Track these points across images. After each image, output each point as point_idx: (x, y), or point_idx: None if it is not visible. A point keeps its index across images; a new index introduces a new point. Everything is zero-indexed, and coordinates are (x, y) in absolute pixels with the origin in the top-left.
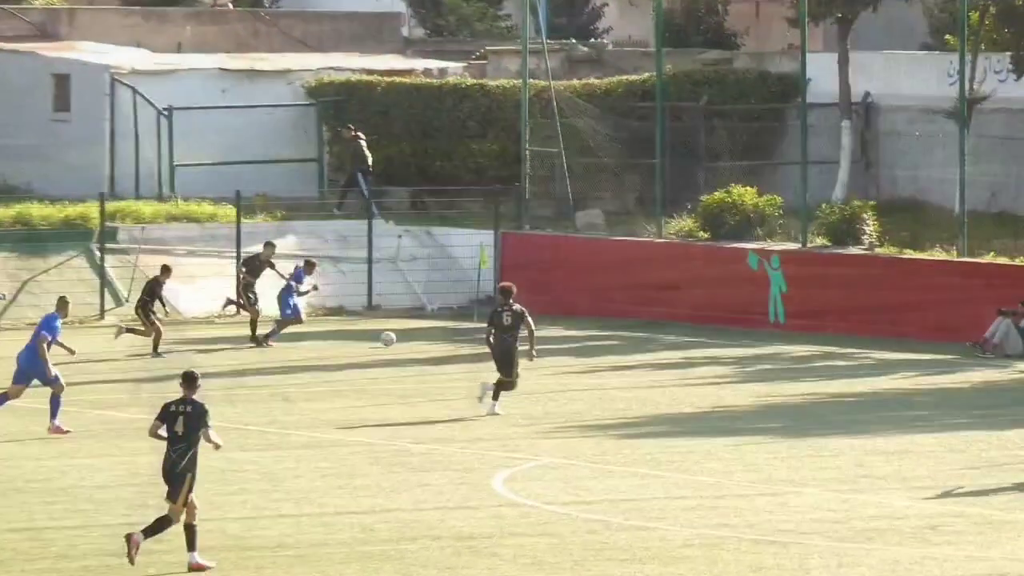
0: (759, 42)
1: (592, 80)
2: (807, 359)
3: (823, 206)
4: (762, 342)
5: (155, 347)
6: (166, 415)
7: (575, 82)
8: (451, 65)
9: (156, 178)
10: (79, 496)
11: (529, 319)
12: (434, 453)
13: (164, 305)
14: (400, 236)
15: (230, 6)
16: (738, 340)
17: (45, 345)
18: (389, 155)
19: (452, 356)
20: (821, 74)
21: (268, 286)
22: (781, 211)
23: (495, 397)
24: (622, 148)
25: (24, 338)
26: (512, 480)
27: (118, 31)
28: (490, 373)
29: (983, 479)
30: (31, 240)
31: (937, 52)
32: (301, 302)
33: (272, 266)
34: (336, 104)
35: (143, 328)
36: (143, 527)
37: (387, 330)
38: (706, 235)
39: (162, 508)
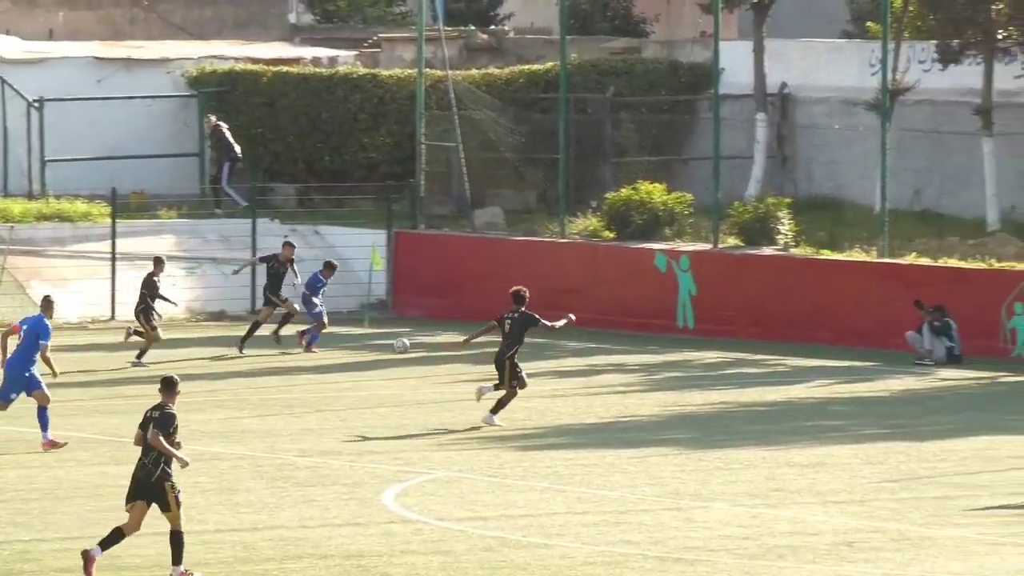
0: (670, 30)
1: (492, 70)
2: (717, 366)
3: (736, 204)
4: (670, 348)
5: (142, 353)
6: (143, 421)
7: (474, 72)
8: (341, 54)
9: (26, 174)
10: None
11: (544, 323)
12: (321, 467)
13: (168, 300)
14: (287, 236)
15: None
16: (644, 346)
17: (48, 353)
18: (275, 150)
19: (341, 364)
20: (735, 64)
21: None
22: (691, 209)
23: (494, 411)
24: (523, 142)
25: None
26: (404, 495)
27: None
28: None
29: (901, 493)
30: None
31: (858, 40)
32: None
33: (292, 265)
34: (219, 95)
35: (144, 332)
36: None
37: (401, 338)
38: (612, 235)
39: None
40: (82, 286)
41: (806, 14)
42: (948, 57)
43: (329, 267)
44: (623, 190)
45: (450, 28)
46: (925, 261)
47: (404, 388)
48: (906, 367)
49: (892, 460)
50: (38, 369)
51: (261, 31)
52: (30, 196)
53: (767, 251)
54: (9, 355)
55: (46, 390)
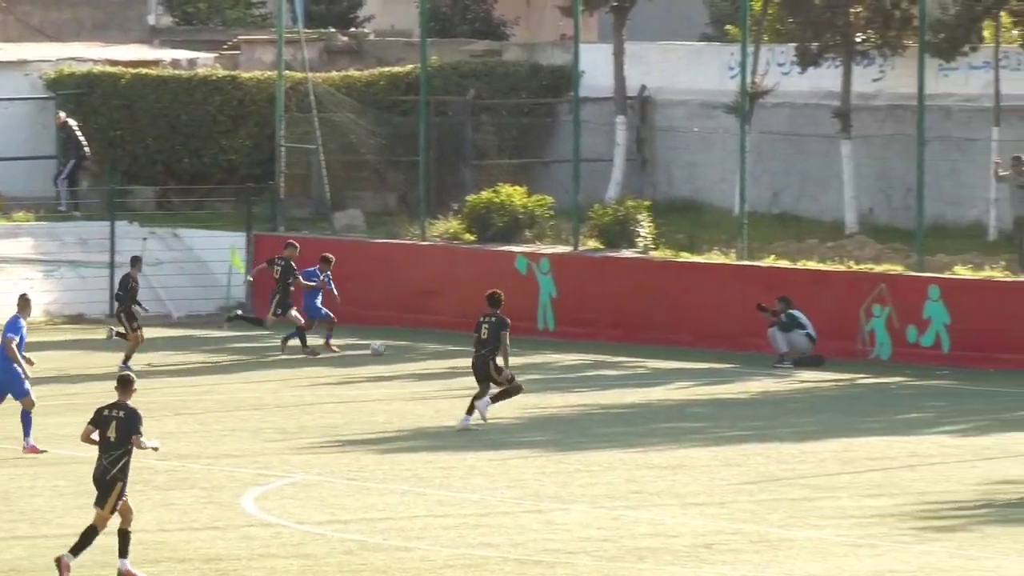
0: (530, 32)
1: (352, 72)
2: (577, 368)
3: (596, 207)
4: (530, 350)
5: (127, 356)
6: (99, 420)
7: (334, 74)
8: (201, 56)
9: None
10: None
11: (506, 335)
12: (179, 470)
13: (140, 305)
14: (145, 239)
15: None
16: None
17: (15, 347)
18: (134, 152)
19: (200, 367)
20: (595, 67)
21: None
22: (552, 212)
23: (493, 399)
24: (384, 144)
25: None
26: (263, 498)
27: None
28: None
29: (760, 494)
30: None
31: (718, 43)
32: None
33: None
34: (77, 97)
35: (126, 333)
36: (70, 547)
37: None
38: (472, 237)
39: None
40: None
41: (666, 17)
42: (807, 60)
43: (325, 261)
44: (483, 193)
45: (310, 30)
46: (784, 263)
47: (263, 391)
48: (765, 369)
49: (751, 462)
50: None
51: (120, 33)
52: None
53: (627, 253)
54: None
55: (32, 395)
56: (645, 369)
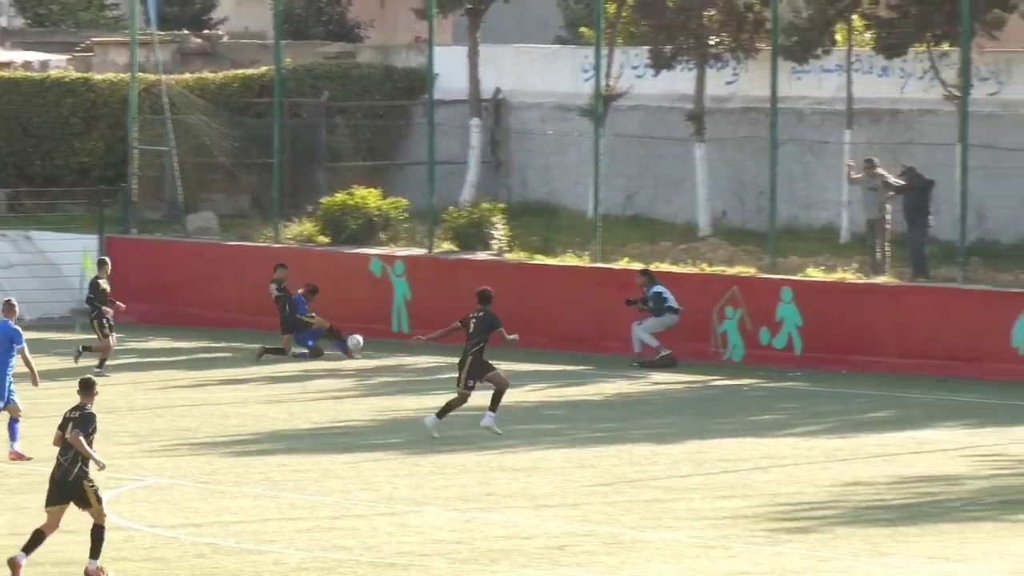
0: (385, 35)
1: (206, 74)
2: (432, 371)
3: (450, 209)
4: (384, 353)
5: (101, 362)
6: (63, 421)
7: (187, 76)
8: (53, 58)
9: None
10: None
11: (501, 330)
12: (32, 474)
13: (115, 304)
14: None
15: None
16: (360, 351)
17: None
18: None
19: (51, 370)
20: (450, 69)
21: None
22: (406, 214)
23: (441, 415)
24: (237, 147)
25: None
26: (115, 502)
27: None
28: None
29: (614, 496)
30: None
31: (572, 46)
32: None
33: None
34: None
35: (97, 342)
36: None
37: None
38: (326, 239)
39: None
40: None
41: (520, 20)
42: (661, 63)
43: (311, 291)
44: (338, 195)
45: (163, 32)
46: (638, 266)
47: (115, 394)
48: (619, 371)
49: (604, 464)
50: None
51: None
52: None
53: (481, 256)
54: None
55: (19, 402)
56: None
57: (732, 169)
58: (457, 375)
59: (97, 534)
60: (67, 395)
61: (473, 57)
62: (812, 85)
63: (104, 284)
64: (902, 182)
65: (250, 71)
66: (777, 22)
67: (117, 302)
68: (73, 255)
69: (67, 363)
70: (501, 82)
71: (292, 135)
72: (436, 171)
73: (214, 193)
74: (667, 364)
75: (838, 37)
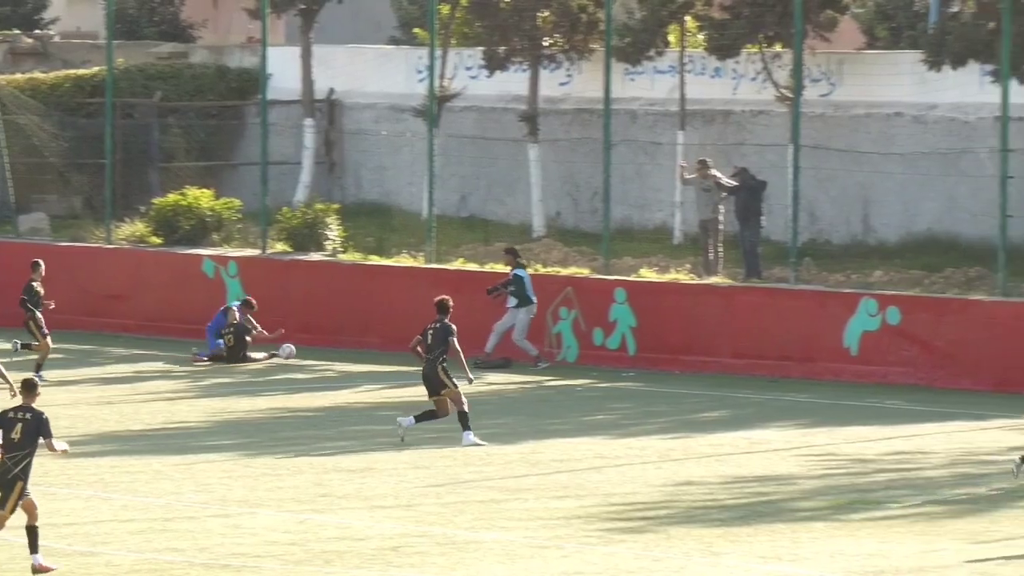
0: (218, 35)
1: (37, 74)
2: (265, 371)
3: (284, 210)
4: None
5: (39, 366)
6: (3, 421)
7: (19, 76)
8: None
9: None
10: None
11: (454, 340)
12: None
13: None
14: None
15: None
16: (193, 352)
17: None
18: None
19: None
20: (283, 69)
21: None
22: (239, 215)
23: (464, 426)
24: (69, 147)
25: None
26: None
27: None
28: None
29: (447, 497)
30: None
31: (406, 47)
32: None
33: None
34: None
35: (36, 343)
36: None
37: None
38: (159, 240)
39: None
40: None
41: (353, 20)
42: (494, 64)
43: (247, 304)
44: (170, 195)
45: None
46: (472, 266)
47: None
48: (453, 371)
49: (438, 464)
50: None
51: None
52: None
53: (315, 257)
54: None
55: None
56: (334, 372)
57: (566, 170)
58: (429, 389)
59: (30, 531)
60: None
61: (306, 57)
62: (645, 86)
63: (38, 287)
64: (735, 183)
65: (82, 71)
66: (610, 23)
67: (50, 303)
68: None
69: None
70: (335, 83)
71: (124, 136)
72: (270, 171)
73: (46, 194)
74: (501, 365)
75: (671, 38)
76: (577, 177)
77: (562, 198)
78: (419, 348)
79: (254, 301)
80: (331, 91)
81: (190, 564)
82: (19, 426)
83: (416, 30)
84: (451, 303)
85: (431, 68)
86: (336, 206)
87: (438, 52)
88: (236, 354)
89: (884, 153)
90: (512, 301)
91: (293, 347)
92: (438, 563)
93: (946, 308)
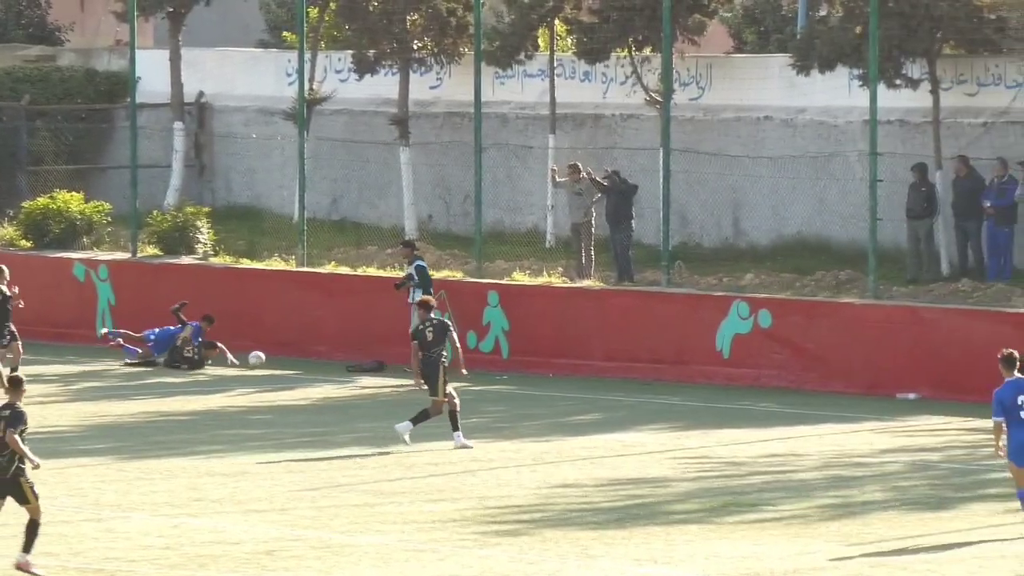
0: (86, 38)
1: None
2: (137, 376)
3: (155, 213)
4: (89, 358)
5: (13, 370)
6: None
7: None
8: None
9: None
10: None
11: (453, 333)
12: None
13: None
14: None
15: None
16: (64, 356)
17: None
18: None
19: None
20: (152, 72)
21: None
22: (109, 218)
23: (415, 421)
24: None
25: None
26: None
27: None
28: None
29: (322, 500)
30: None
31: (275, 50)
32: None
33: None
34: None
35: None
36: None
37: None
38: (29, 244)
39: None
40: None
41: (222, 23)
42: (364, 67)
43: (208, 320)
44: (40, 199)
45: None
46: (344, 270)
47: None
48: (326, 375)
49: (312, 468)
50: None
51: None
52: None
53: (186, 260)
54: None
55: None
56: (207, 376)
57: (437, 173)
58: (432, 386)
59: (32, 529)
60: None
61: (175, 60)
62: (515, 90)
63: (5, 290)
64: (605, 184)
65: None
66: (480, 27)
67: (19, 302)
68: None
69: None
70: (204, 85)
71: None
72: (139, 175)
73: None
74: (375, 368)
75: (541, 42)
76: (448, 180)
77: (434, 201)
78: (416, 351)
79: (214, 317)
80: (200, 94)
81: (64, 568)
82: (2, 424)
83: (285, 33)
84: (435, 303)
85: (300, 71)
86: (206, 209)
87: (307, 55)
88: (198, 367)
89: (754, 157)
90: (417, 294)
91: (262, 355)
92: (313, 567)
93: (817, 311)
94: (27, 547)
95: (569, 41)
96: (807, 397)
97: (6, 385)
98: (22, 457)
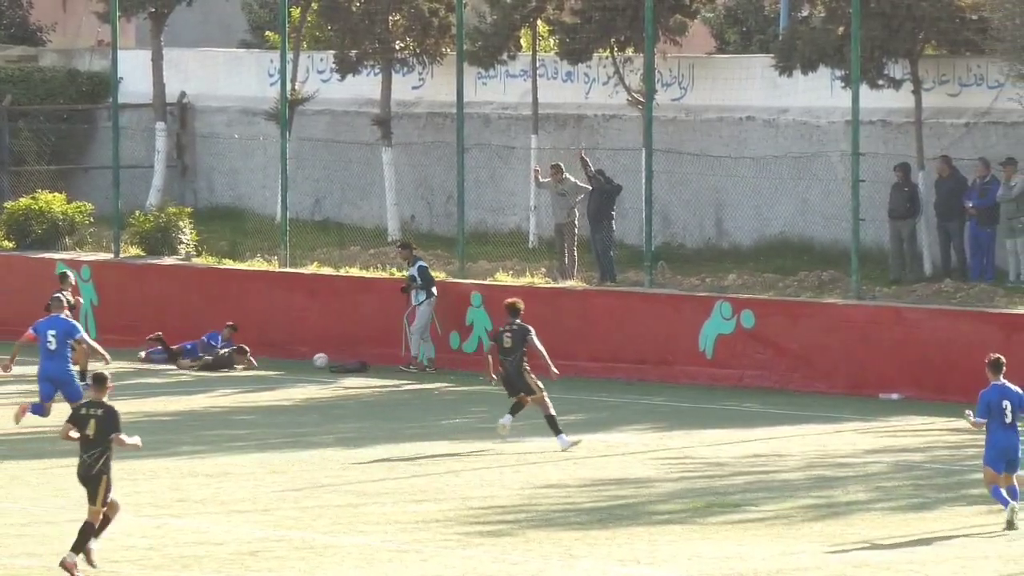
0: (68, 38)
1: None
2: (120, 376)
3: (137, 213)
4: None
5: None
6: (76, 418)
7: None
8: None
9: None
10: None
11: (534, 339)
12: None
13: None
14: None
15: None
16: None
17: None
18: None
19: None
20: (134, 73)
21: None
22: (92, 219)
23: (554, 429)
24: None
25: None
26: None
27: None
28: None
29: (305, 501)
30: None
31: (257, 50)
32: None
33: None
34: None
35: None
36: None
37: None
38: (11, 244)
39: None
40: None
41: (204, 24)
42: (346, 67)
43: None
44: (22, 199)
45: None
46: (327, 270)
47: None
48: (309, 375)
49: (296, 469)
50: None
51: None
52: None
53: (169, 261)
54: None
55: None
56: (189, 377)
57: (420, 174)
58: (514, 391)
59: (86, 530)
60: None
61: (157, 61)
62: (498, 90)
63: (70, 298)
64: (588, 187)
65: None
66: (462, 27)
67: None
68: None
69: None
70: (186, 86)
71: None
72: (121, 175)
73: None
74: (358, 369)
75: (523, 42)
76: (431, 181)
77: (416, 202)
78: (493, 353)
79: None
80: (182, 94)
81: (47, 569)
82: (92, 422)
83: (267, 33)
84: (522, 305)
85: (283, 71)
86: (189, 210)
87: (289, 56)
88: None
89: (736, 157)
90: (420, 296)
91: (326, 356)
92: (296, 567)
93: (800, 311)
94: (76, 547)
95: (551, 41)
96: (790, 397)
97: (91, 382)
98: (109, 459)
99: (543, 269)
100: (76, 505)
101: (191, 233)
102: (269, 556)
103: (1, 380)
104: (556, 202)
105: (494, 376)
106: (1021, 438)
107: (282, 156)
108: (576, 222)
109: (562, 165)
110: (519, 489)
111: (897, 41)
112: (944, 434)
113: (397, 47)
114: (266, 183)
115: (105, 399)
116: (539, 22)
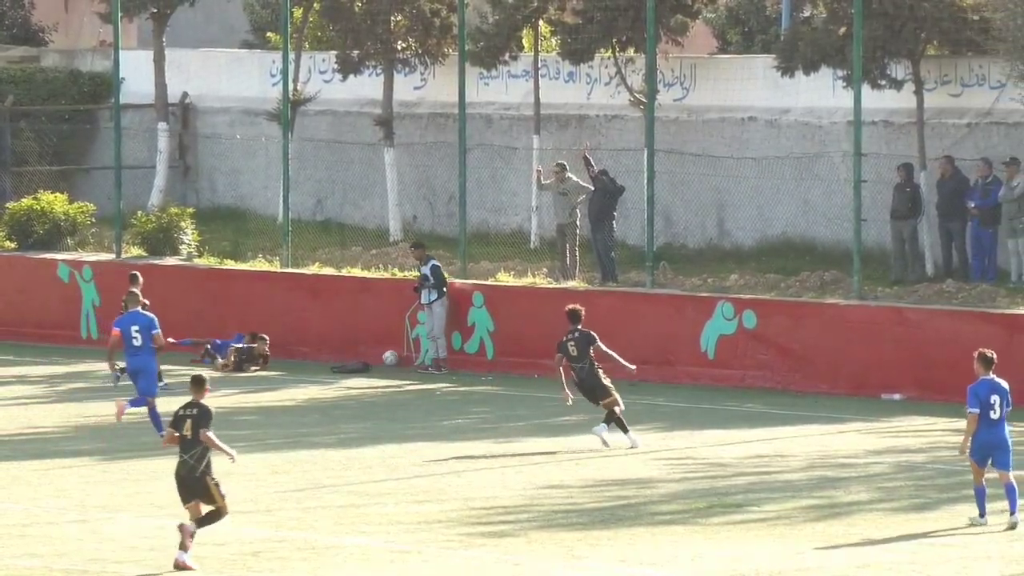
0: (69, 39)
1: None
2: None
3: (139, 214)
4: (74, 359)
5: None
6: (175, 420)
7: None
8: None
9: None
10: None
11: (599, 344)
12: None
13: None
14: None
15: None
16: (49, 357)
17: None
18: None
19: None
20: (136, 73)
21: None
22: (93, 219)
23: (607, 421)
24: None
25: None
26: None
27: None
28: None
29: (307, 501)
30: None
31: (259, 51)
32: None
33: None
34: None
35: None
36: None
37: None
38: (13, 245)
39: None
40: None
41: (206, 24)
42: (348, 68)
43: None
44: (24, 200)
45: None
46: (329, 271)
47: None
48: (311, 376)
49: (298, 469)
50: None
51: None
52: None
53: (171, 261)
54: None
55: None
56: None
57: (422, 174)
58: (592, 398)
59: (211, 517)
60: None
61: (159, 61)
62: (500, 91)
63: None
64: (590, 187)
65: None
66: (464, 28)
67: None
68: None
69: None
70: (188, 86)
71: None
72: (124, 176)
73: None
74: (360, 369)
75: (525, 43)
76: (433, 181)
77: (418, 202)
78: (563, 365)
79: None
80: (184, 95)
81: (48, 570)
82: (188, 422)
83: (269, 34)
84: (583, 311)
85: (284, 72)
86: (191, 210)
87: (291, 56)
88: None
89: (738, 157)
90: (432, 295)
91: (395, 353)
92: (298, 568)
93: (802, 311)
94: (202, 522)
95: (553, 42)
96: (792, 398)
97: (189, 384)
98: (209, 461)
99: (545, 269)
100: (78, 506)
101: (193, 233)
102: (271, 556)
103: (2, 381)
104: (558, 202)
105: (570, 394)
106: (1010, 434)
107: (284, 156)
108: (578, 222)
109: (566, 164)
110: (521, 490)
111: (899, 41)
112: (946, 434)
113: (399, 47)
114: (268, 183)
115: (203, 400)
116: (541, 22)
